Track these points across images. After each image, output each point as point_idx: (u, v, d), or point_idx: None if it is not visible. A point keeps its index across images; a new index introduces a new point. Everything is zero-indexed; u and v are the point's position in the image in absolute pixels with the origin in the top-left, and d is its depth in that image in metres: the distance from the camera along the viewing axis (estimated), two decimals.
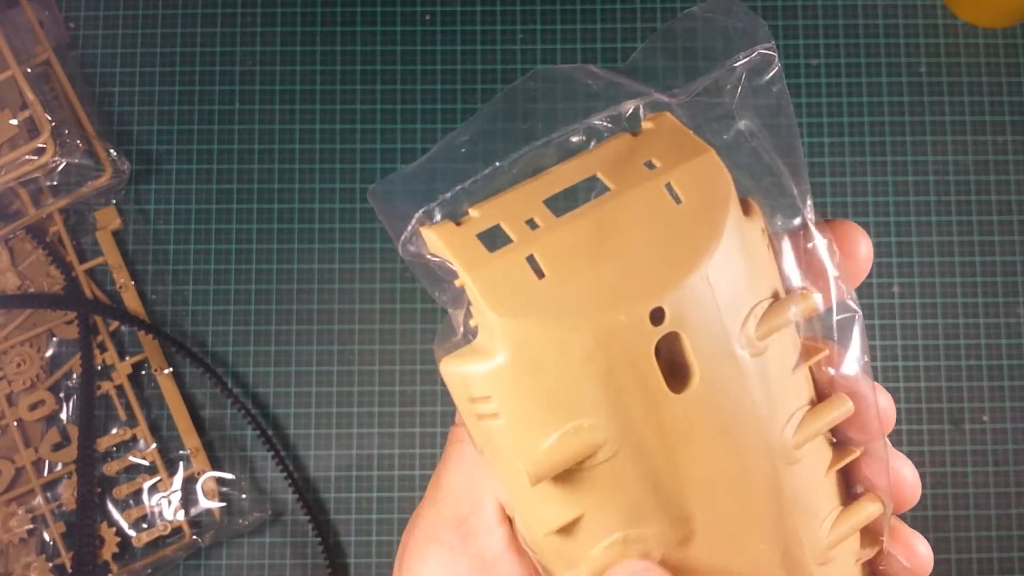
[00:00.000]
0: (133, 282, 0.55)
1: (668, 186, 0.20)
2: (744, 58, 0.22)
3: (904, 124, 0.56)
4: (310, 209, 0.55)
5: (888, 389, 0.53)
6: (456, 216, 0.21)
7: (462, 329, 0.21)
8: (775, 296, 0.21)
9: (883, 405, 0.24)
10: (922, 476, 0.53)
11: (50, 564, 0.52)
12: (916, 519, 0.53)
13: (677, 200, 0.20)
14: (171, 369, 0.54)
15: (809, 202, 0.22)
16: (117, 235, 0.55)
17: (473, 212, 0.20)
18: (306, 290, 0.55)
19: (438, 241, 0.20)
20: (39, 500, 0.53)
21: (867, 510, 0.23)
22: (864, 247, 0.23)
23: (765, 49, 0.22)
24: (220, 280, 0.55)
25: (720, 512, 0.21)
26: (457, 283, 0.20)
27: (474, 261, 0.19)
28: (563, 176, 0.21)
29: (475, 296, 0.19)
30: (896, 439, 0.53)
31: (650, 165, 0.21)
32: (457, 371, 0.20)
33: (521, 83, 0.22)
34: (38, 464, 0.53)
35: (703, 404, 0.20)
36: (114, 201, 0.55)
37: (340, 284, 0.55)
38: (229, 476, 0.53)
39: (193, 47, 0.57)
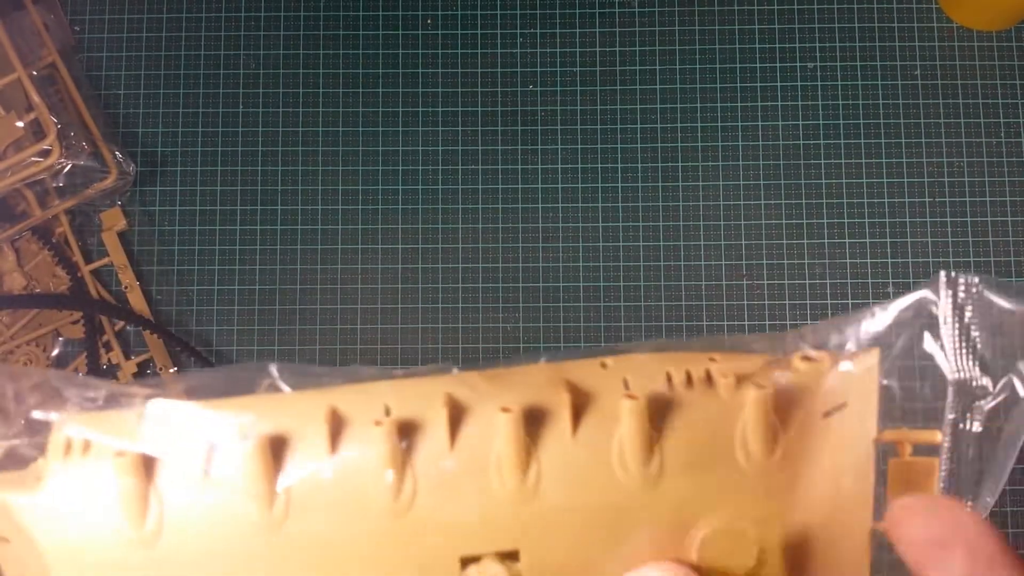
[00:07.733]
0: (138, 282, 0.55)
1: None
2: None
3: (899, 126, 0.56)
4: (313, 210, 0.56)
5: None
6: None
7: None
8: None
9: None
10: None
11: None
12: None
13: None
14: (176, 368, 0.55)
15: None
16: (122, 236, 0.56)
17: None
18: (309, 290, 0.56)
19: None
20: None
21: None
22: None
23: None
24: (224, 280, 0.56)
25: None
26: None
27: None
28: None
29: None
30: None
31: None
32: None
33: None
34: None
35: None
36: (119, 202, 0.56)
37: (342, 284, 0.55)
38: None
39: (198, 50, 0.58)
